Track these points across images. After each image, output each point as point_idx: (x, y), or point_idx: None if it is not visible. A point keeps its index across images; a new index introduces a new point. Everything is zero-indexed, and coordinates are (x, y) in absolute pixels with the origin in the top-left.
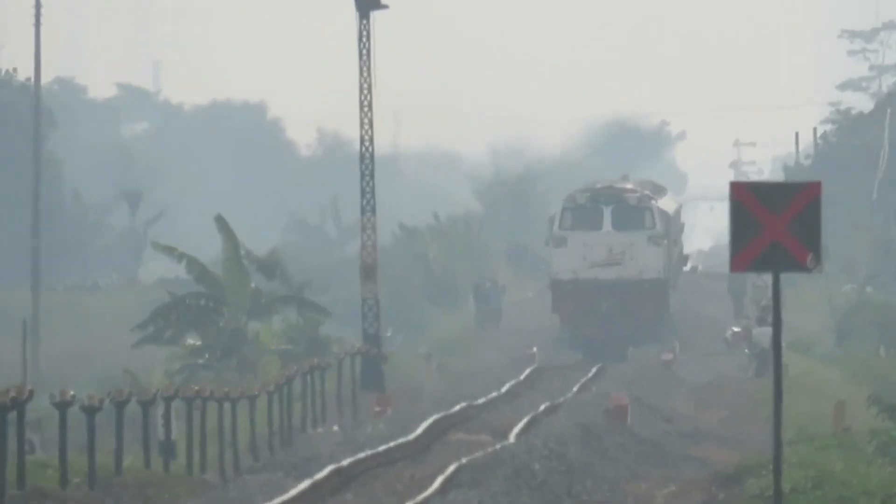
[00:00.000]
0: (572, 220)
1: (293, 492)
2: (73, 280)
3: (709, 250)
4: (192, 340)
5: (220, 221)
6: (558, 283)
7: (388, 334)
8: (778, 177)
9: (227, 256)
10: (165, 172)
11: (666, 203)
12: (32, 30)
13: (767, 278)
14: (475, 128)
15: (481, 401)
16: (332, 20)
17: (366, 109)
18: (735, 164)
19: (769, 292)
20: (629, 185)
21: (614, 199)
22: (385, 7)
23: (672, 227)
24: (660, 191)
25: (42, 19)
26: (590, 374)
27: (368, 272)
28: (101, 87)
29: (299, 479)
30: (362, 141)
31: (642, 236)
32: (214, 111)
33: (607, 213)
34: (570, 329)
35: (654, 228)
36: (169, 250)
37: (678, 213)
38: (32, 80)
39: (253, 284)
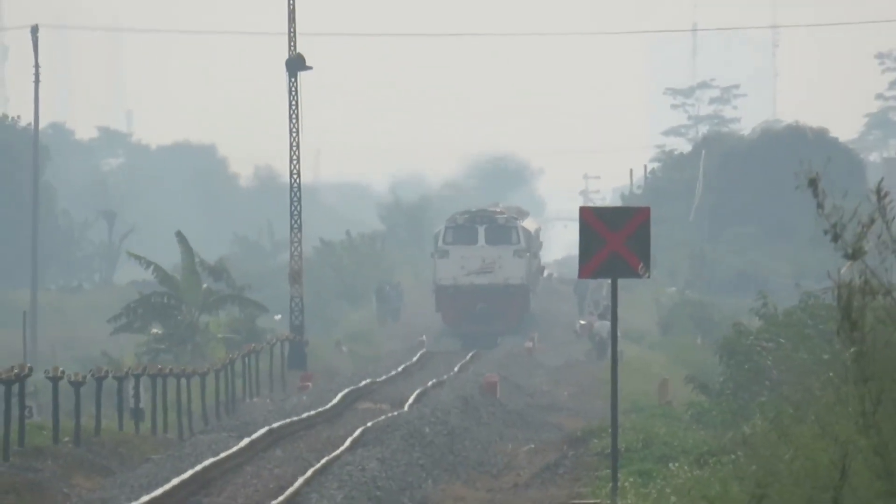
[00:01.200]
0: (453, 236)
1: (235, 448)
2: (63, 281)
3: (562, 259)
4: (156, 330)
5: (180, 237)
6: (441, 288)
7: (278, 317)
8: (616, 203)
9: (184, 264)
10: (135, 198)
11: (528, 224)
12: (32, 86)
13: (602, 282)
14: (380, 162)
15: (383, 378)
16: (268, 79)
17: (294, 149)
18: (583, 193)
19: (604, 292)
20: (499, 209)
21: (487, 220)
22: (309, 68)
23: (533, 243)
24: (523, 214)
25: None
26: (467, 358)
27: (295, 277)
28: (85, 130)
29: (240, 438)
30: (291, 174)
31: (509, 250)
32: (175, 150)
33: (481, 231)
34: (450, 325)
35: (519, 244)
36: (139, 258)
37: (538, 232)
38: (32, 125)
39: (204, 286)
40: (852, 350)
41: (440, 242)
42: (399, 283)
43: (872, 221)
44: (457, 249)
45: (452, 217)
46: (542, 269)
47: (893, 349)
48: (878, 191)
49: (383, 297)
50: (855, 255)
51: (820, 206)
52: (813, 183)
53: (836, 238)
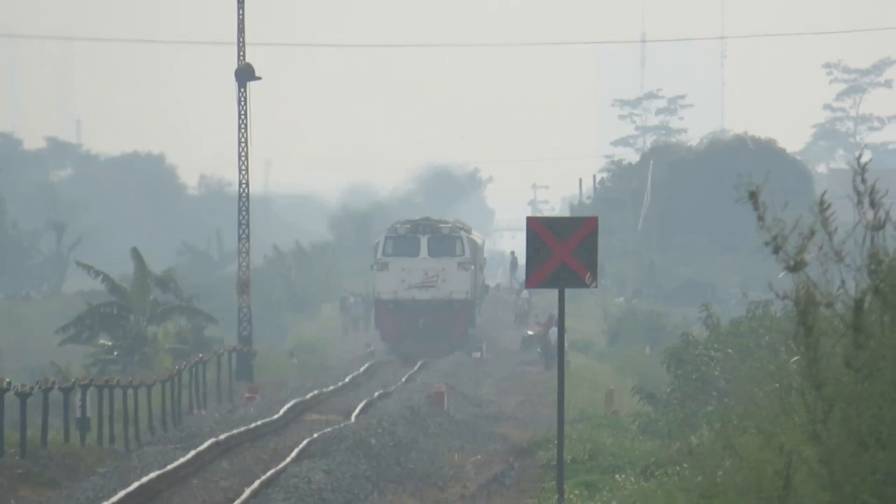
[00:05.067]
0: (393, 247)
1: (181, 460)
2: (11, 291)
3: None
4: (104, 340)
5: (135, 252)
6: (381, 303)
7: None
8: (565, 213)
9: (135, 275)
10: (84, 208)
11: (473, 236)
12: None
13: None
14: (330, 172)
15: (330, 389)
16: (218, 89)
17: (243, 159)
18: (532, 202)
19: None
20: (442, 219)
21: (430, 230)
22: (259, 78)
23: (478, 256)
24: (467, 228)
25: None
26: (415, 368)
27: (243, 287)
28: (34, 141)
29: (186, 450)
30: (240, 184)
31: (453, 262)
32: (124, 160)
33: (424, 241)
34: (390, 343)
35: (464, 255)
36: (88, 268)
37: (482, 246)
38: None
39: (152, 296)
40: (806, 356)
41: (379, 254)
42: (367, 294)
43: (813, 233)
44: (397, 261)
45: (393, 227)
46: (486, 288)
47: (838, 358)
48: (822, 202)
49: (346, 307)
50: (796, 266)
51: (760, 218)
52: (753, 195)
53: (776, 250)
